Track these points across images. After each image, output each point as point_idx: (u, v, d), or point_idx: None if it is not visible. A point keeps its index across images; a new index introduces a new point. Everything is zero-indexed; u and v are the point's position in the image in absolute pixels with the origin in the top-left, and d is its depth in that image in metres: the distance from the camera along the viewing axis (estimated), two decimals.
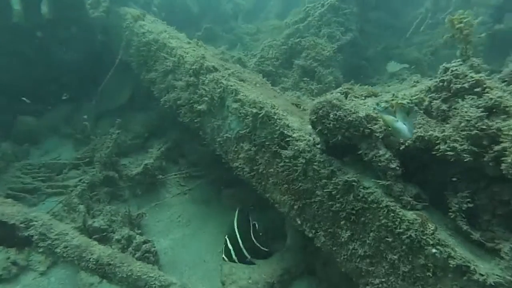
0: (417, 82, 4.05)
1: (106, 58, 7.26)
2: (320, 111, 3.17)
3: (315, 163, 3.42)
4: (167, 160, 5.71)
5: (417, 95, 3.20)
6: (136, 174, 5.03)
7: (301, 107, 4.45)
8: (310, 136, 3.56)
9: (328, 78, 6.34)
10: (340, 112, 3.10)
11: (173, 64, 5.13)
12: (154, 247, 4.36)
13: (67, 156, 5.75)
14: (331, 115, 3.08)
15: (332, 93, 3.52)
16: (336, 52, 6.74)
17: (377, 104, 2.96)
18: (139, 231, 4.56)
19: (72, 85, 6.75)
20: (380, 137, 3.03)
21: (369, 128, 3.05)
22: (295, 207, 3.60)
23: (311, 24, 7.32)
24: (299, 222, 3.62)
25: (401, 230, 2.83)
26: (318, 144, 3.44)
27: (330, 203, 3.30)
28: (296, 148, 3.51)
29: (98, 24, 6.84)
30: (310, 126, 3.34)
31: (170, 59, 5.19)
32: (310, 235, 3.50)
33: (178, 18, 9.22)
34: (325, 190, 3.33)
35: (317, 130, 3.28)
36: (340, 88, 3.96)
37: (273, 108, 3.81)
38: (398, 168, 2.92)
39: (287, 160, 3.59)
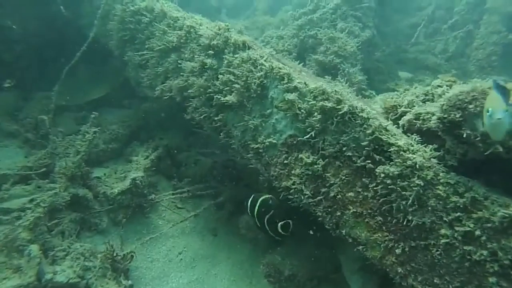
0: None
1: (71, 37, 5.52)
2: (471, 107, 2.02)
3: (439, 187, 2.23)
4: (158, 172, 4.15)
5: None
6: (119, 193, 3.42)
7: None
8: (424, 145, 2.38)
9: (357, 78, 5.28)
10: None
11: (179, 39, 3.68)
12: None
13: (10, 163, 3.89)
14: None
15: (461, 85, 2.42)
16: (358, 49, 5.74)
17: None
18: (129, 282, 2.95)
19: (18, 67, 4.91)
20: None
21: None
22: (397, 251, 2.37)
23: (324, 17, 6.26)
24: (401, 272, 2.39)
25: None
26: (445, 158, 2.27)
27: (468, 248, 2.12)
28: (407, 163, 2.29)
29: None
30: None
31: (174, 32, 3.73)
32: None
33: None
34: (458, 229, 2.16)
35: (451, 135, 2.12)
36: (439, 80, 2.86)
37: (359, 103, 2.58)
38: None
39: (387, 181, 2.36)
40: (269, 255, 3.60)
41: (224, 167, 4.05)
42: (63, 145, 3.99)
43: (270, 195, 3.16)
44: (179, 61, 3.64)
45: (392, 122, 2.91)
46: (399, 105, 3.01)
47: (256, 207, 3.17)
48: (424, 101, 2.86)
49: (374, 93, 5.68)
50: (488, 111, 1.84)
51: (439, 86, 2.72)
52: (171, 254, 3.54)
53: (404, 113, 2.95)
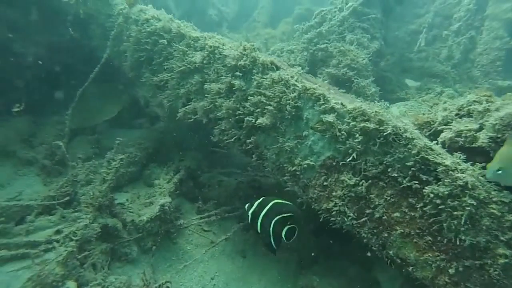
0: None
1: (80, 58, 5.47)
2: None
3: (492, 205, 2.22)
4: (180, 195, 4.07)
5: None
6: (147, 220, 3.33)
7: None
8: (468, 164, 2.37)
9: (371, 90, 5.30)
10: None
11: (202, 60, 3.64)
12: None
13: (31, 192, 3.78)
14: None
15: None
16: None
17: None
18: None
19: (29, 91, 4.82)
20: None
21: None
22: (450, 270, 2.34)
23: (332, 30, 6.30)
24: None
25: None
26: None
27: None
28: (456, 182, 2.27)
29: (70, 12, 5.05)
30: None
31: (196, 53, 3.70)
32: None
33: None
34: None
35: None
36: (473, 95, 2.86)
37: (402, 123, 2.56)
38: None
39: (436, 201, 2.34)
40: (305, 276, 3.55)
41: (250, 188, 4.00)
42: (83, 172, 3.90)
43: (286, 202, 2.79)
44: (200, 82, 3.60)
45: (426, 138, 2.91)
46: (433, 121, 3.01)
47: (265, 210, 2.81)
48: (459, 116, 2.87)
49: (387, 104, 5.72)
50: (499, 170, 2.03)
51: (476, 101, 2.72)
52: (204, 280, 3.45)
53: (437, 129, 2.97)
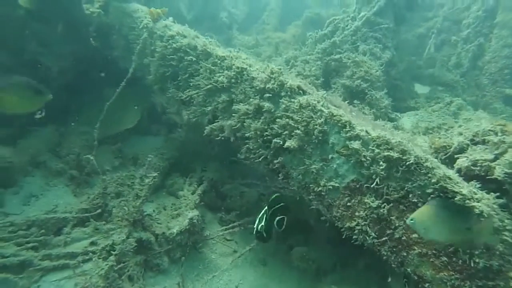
0: None
1: (100, 67, 5.65)
2: None
3: (505, 233, 2.45)
4: (204, 206, 4.30)
5: None
6: (177, 233, 3.56)
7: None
8: (483, 193, 2.60)
9: (384, 103, 5.49)
10: None
11: (229, 80, 3.83)
12: None
13: (64, 204, 3.98)
14: None
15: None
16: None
17: None
18: None
19: (54, 102, 5.00)
20: None
21: None
22: None
23: (344, 40, 6.46)
24: None
25: None
26: (509, 206, 2.49)
27: None
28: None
29: (92, 23, 5.21)
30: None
31: (225, 73, 3.88)
32: None
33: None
34: None
35: None
36: (489, 123, 3.07)
37: (422, 153, 2.78)
38: None
39: None
40: (322, 285, 3.80)
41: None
42: (112, 185, 4.12)
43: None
44: (226, 102, 3.80)
45: (441, 161, 3.15)
46: (449, 146, 3.22)
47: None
48: (474, 143, 3.08)
49: (398, 115, 5.93)
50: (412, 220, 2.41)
51: (491, 130, 2.93)
52: None
53: (453, 153, 3.18)
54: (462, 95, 6.96)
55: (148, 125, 6.09)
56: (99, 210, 3.85)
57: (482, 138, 2.99)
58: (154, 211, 4.17)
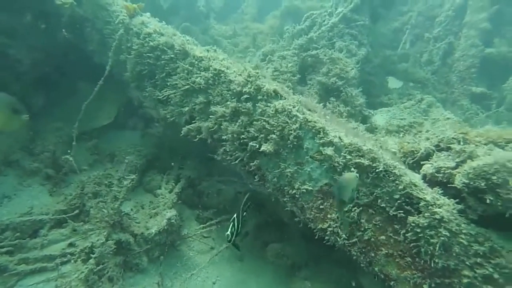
0: None
1: (74, 60, 5.48)
2: (494, 178, 2.43)
3: (461, 236, 2.68)
4: (181, 203, 4.35)
5: None
6: (156, 233, 3.61)
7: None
8: (445, 199, 2.80)
9: (359, 101, 5.64)
10: None
11: (206, 81, 3.84)
12: None
13: (40, 205, 3.91)
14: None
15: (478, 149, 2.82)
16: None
17: None
18: None
19: (26, 96, 4.84)
20: None
21: None
22: (424, 286, 2.82)
23: (322, 35, 6.54)
24: None
25: None
26: (466, 211, 2.71)
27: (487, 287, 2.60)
28: (434, 216, 2.71)
29: (64, 14, 5.01)
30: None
31: (202, 74, 3.89)
32: None
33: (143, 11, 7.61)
34: (479, 271, 2.62)
35: (475, 197, 2.54)
36: (452, 132, 3.27)
37: (391, 160, 2.94)
38: None
39: (417, 229, 2.78)
40: (296, 279, 4.00)
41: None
42: (90, 184, 4.08)
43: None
44: (204, 103, 3.82)
45: (409, 165, 3.35)
46: (416, 151, 3.42)
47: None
48: (439, 150, 3.28)
49: (372, 112, 6.12)
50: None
51: (454, 138, 3.13)
52: (206, 285, 3.84)
53: (419, 158, 3.38)
54: (432, 92, 7.25)
55: (125, 119, 6.00)
56: (76, 211, 3.82)
57: (447, 145, 3.19)
58: (132, 209, 4.19)
